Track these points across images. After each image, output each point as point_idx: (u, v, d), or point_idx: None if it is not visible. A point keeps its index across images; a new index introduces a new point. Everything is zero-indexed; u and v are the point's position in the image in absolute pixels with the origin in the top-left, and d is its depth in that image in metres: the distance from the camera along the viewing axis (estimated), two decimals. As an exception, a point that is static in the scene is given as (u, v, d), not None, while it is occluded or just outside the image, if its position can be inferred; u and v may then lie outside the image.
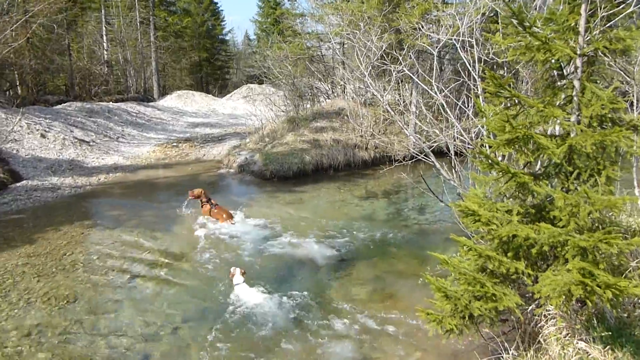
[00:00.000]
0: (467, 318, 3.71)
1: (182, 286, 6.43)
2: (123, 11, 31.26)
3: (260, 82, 30.57)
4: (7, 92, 20.63)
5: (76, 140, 16.13)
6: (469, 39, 5.71)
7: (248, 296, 5.83)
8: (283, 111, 18.49)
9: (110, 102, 23.60)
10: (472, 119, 5.94)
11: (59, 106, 20.17)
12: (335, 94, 19.44)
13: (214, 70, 45.57)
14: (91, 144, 16.43)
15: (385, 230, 8.71)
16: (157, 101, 29.25)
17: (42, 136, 15.38)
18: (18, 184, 11.67)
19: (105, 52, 28.80)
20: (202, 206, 9.20)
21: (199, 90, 36.07)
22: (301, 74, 20.14)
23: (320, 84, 20.27)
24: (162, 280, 6.63)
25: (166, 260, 7.22)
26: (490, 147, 4.39)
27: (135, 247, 7.73)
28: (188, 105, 28.82)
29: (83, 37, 28.79)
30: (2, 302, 5.90)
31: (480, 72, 5.79)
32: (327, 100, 19.52)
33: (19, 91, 21.55)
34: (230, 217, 8.93)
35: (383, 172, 11.29)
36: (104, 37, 28.86)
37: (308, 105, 18.63)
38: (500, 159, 5.07)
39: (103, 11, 29.22)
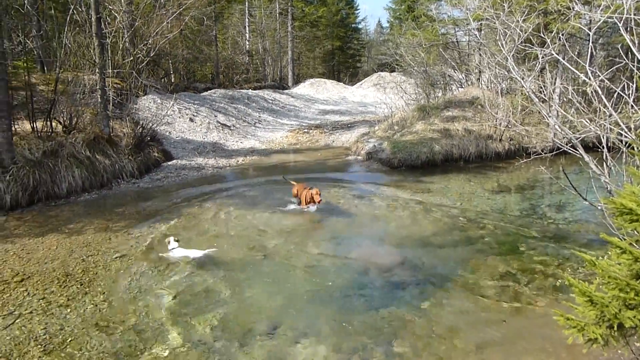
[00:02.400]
0: (615, 328, 3.34)
1: (308, 264, 6.69)
2: (264, 3, 33.08)
3: (392, 70, 30.38)
4: (163, 80, 23.05)
5: (219, 124, 17.50)
6: (635, 16, 5.04)
7: (186, 253, 6.75)
8: (413, 99, 18.18)
9: (250, 90, 25.19)
10: (632, 107, 5.27)
11: (205, 93, 22.04)
12: (469, 82, 18.60)
13: (345, 58, 46.29)
14: (232, 128, 17.71)
15: (519, 226, 8.17)
16: (291, 89, 30.55)
17: (191, 120, 16.95)
18: (169, 163, 13.02)
19: (246, 42, 30.75)
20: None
21: (331, 79, 36.89)
22: (434, 61, 19.58)
23: (453, 72, 19.54)
24: (291, 256, 6.96)
25: (297, 239, 7.55)
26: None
27: (267, 226, 8.19)
28: (320, 92, 29.65)
29: (228, 29, 31.06)
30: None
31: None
32: (460, 89, 18.75)
33: (172, 79, 23.93)
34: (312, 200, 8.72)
35: (519, 164, 10.59)
36: (246, 28, 30.82)
37: (440, 94, 18.09)
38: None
39: (247, 3, 31.20)
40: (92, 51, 12.47)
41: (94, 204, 9.60)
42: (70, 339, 4.91)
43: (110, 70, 13.83)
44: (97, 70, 11.93)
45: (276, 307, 5.56)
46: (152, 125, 13.36)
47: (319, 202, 8.59)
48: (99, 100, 11.82)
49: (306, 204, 8.72)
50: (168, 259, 6.72)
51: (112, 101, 12.41)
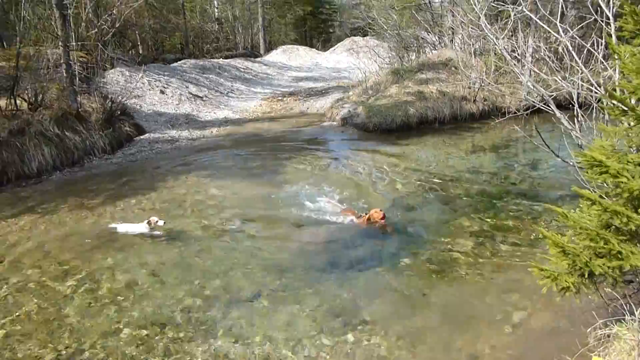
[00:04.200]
0: (586, 276, 3.46)
1: (285, 233, 6.73)
2: (231, -32, 32.05)
3: (364, 35, 30.00)
4: (130, 52, 22.36)
5: (191, 95, 17.16)
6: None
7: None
8: (387, 63, 18.05)
9: (221, 59, 24.66)
10: (601, 64, 5.33)
11: (176, 64, 21.48)
12: (443, 44, 18.52)
13: (317, 24, 45.48)
14: (204, 99, 17.39)
15: (494, 184, 8.34)
16: (263, 57, 30.01)
17: (162, 92, 16.57)
18: (142, 137, 12.77)
19: (215, 10, 29.95)
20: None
21: (303, 45, 36.30)
22: (407, 24, 19.39)
23: (426, 34, 19.40)
24: (268, 226, 6.98)
25: (272, 211, 7.56)
26: (624, 92, 3.92)
27: (245, 196, 8.16)
28: (292, 59, 29.21)
29: (195, -4, 30.10)
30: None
31: (615, 10, 5.14)
32: (433, 51, 18.67)
33: (140, 50, 23.24)
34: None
35: (494, 124, 10.73)
36: (214, -5, 29.94)
37: (413, 57, 17.99)
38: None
39: (213, -31, 30.21)
40: (53, 23, 11.96)
41: (66, 182, 9.39)
42: (52, 318, 4.88)
43: (74, 43, 13.29)
44: (60, 44, 11.48)
45: (258, 273, 5.61)
46: (122, 99, 13.01)
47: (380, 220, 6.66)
48: (65, 75, 11.42)
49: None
50: (151, 235, 6.63)
51: (78, 75, 11.98)
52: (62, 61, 11.49)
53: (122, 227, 6.68)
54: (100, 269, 5.80)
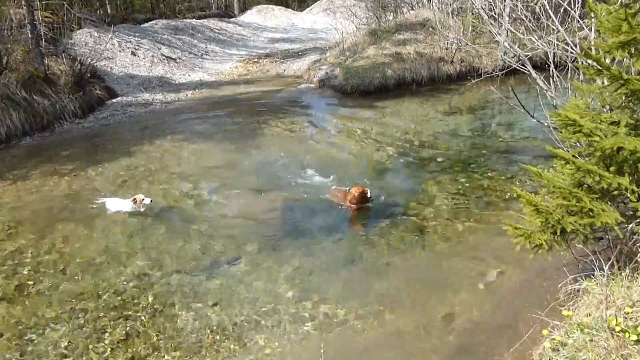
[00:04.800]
0: (558, 234, 3.56)
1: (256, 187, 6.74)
2: None
3: (341, -6, 29.30)
4: (98, 11, 21.44)
5: (164, 57, 16.66)
6: None
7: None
8: (364, 24, 17.74)
9: (194, 20, 23.86)
10: (578, 23, 5.34)
11: (147, 24, 20.71)
12: (420, 4, 18.26)
13: (293, -18, 44.22)
14: (177, 61, 16.92)
15: (470, 146, 8.42)
16: (237, 17, 29.16)
17: (133, 54, 16.03)
18: (114, 100, 12.40)
19: (186, -33, 28.74)
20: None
21: (279, 5, 35.35)
22: (385, -18, 18.98)
23: (404, -7, 19.05)
24: (241, 186, 6.97)
25: (252, 170, 7.52)
26: (599, 51, 3.94)
27: (220, 162, 8.08)
28: (268, 20, 28.47)
29: (165, -48, 28.79)
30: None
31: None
32: (411, 11, 18.41)
33: (109, 10, 22.32)
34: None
35: (470, 84, 10.73)
36: (185, -49, 28.70)
37: (391, 17, 17.72)
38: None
39: None
40: (15, -19, 11.36)
41: (37, 147, 9.12)
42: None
43: (38, 2, 12.67)
44: (23, 3, 10.92)
45: (238, 234, 5.63)
46: (91, 61, 12.54)
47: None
48: (30, 36, 10.92)
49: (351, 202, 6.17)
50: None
51: (44, 37, 11.47)
52: (26, 21, 10.96)
53: (109, 203, 6.34)
54: (75, 235, 5.73)
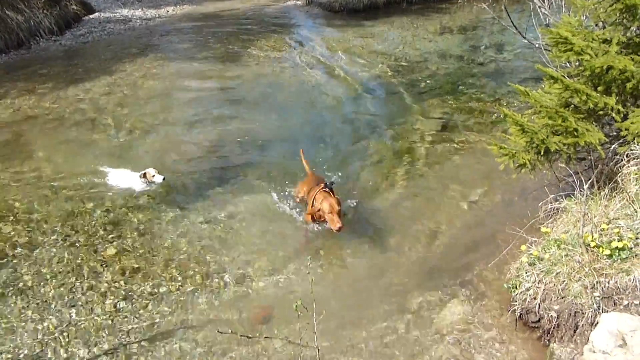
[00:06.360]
0: (542, 153, 3.61)
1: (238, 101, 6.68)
2: None
3: None
4: None
5: (141, -31, 15.70)
6: None
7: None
8: None
9: None
10: None
11: None
12: None
13: None
14: (156, -27, 15.97)
15: (460, 67, 8.31)
16: None
17: (108, -35, 15.05)
18: (91, 16, 11.81)
19: None
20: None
21: None
22: None
23: None
24: (226, 101, 6.88)
25: (240, 90, 7.39)
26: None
27: (202, 85, 7.86)
28: None
29: None
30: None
31: None
32: None
33: None
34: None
35: (462, 2, 10.37)
36: None
37: None
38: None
39: None
40: None
41: (13, 65, 8.78)
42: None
43: None
44: None
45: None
46: (64, -28, 11.79)
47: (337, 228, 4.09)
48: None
49: (317, 218, 4.34)
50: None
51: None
52: None
53: (113, 175, 5.38)
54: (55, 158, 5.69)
